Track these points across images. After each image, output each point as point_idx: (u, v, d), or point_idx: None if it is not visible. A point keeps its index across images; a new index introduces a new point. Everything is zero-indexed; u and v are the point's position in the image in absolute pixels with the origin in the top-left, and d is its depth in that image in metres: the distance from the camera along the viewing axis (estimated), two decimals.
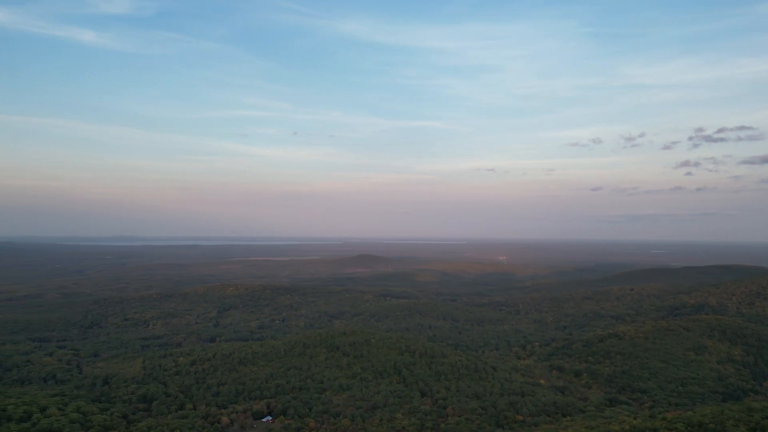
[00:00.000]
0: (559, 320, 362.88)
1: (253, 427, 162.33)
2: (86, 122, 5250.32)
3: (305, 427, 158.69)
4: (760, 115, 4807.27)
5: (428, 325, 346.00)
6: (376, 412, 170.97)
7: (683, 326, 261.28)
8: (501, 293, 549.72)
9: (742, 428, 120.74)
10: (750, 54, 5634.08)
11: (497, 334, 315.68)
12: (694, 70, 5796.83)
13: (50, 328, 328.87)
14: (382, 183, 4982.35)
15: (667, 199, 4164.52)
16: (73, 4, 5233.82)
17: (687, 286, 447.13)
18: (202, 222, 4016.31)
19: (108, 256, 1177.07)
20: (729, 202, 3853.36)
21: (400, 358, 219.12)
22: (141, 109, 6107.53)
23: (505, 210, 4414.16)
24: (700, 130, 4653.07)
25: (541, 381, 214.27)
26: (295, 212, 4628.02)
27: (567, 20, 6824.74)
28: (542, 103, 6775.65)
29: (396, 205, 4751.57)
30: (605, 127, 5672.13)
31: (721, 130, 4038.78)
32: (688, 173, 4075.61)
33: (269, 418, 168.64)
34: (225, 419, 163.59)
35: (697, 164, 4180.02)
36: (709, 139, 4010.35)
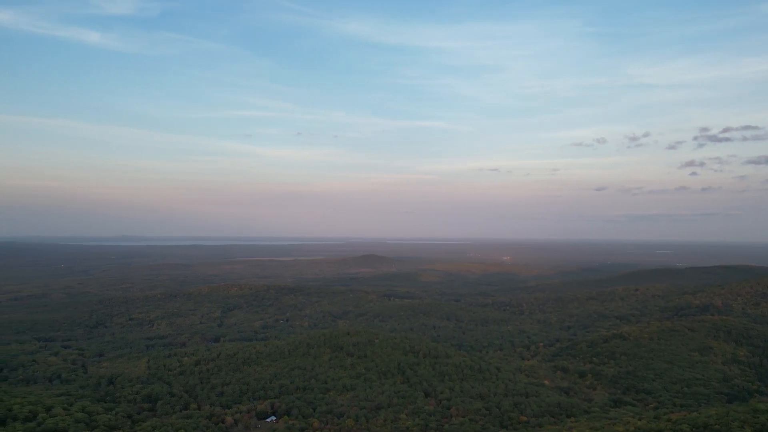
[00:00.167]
0: (564, 321, 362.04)
1: (257, 427, 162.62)
2: (90, 122, 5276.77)
3: (309, 428, 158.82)
4: (765, 114, 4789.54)
5: (432, 325, 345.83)
6: (380, 413, 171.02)
7: (688, 327, 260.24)
8: (505, 293, 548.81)
9: (747, 430, 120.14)
10: (754, 53, 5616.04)
11: (501, 334, 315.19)
12: (698, 69, 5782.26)
13: (55, 327, 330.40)
14: (385, 183, 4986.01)
15: (672, 199, 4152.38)
16: (77, 4, 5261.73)
17: (692, 286, 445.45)
18: (205, 222, 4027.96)
19: (113, 256, 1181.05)
20: (734, 202, 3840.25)
21: (404, 358, 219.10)
22: (145, 109, 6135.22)
23: (508, 210, 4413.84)
24: (705, 129, 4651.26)
25: (546, 382, 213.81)
26: (298, 212, 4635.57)
27: (570, 20, 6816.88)
28: (545, 103, 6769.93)
29: (399, 205, 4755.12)
30: (609, 127, 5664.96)
31: (726, 130, 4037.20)
32: (693, 173, 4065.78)
33: (273, 418, 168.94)
34: (229, 419, 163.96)
35: (702, 164, 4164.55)
36: (714, 138, 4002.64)
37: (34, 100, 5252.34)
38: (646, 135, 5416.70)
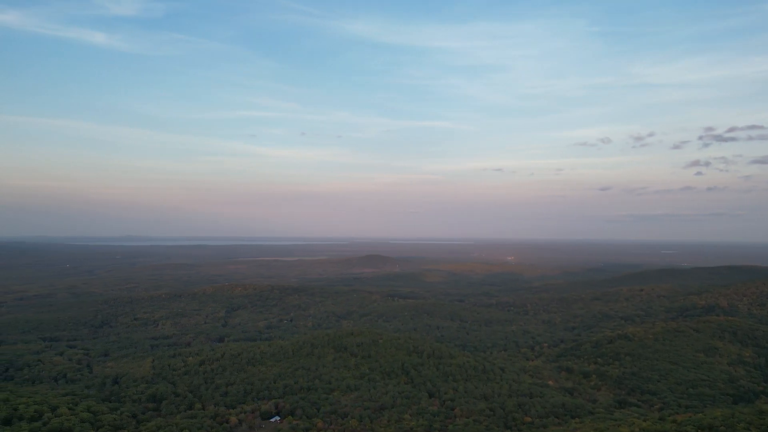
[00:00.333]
0: (568, 321, 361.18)
1: (262, 427, 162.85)
2: (95, 123, 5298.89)
3: (313, 428, 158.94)
4: None
5: (436, 325, 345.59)
6: (383, 413, 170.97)
7: (693, 327, 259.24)
8: (509, 294, 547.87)
9: (753, 431, 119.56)
10: (760, 52, 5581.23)
11: (505, 334, 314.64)
12: (703, 68, 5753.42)
13: (61, 327, 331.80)
14: (388, 183, 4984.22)
15: (677, 199, 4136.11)
16: (83, 5, 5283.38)
17: (697, 286, 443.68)
18: (210, 222, 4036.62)
19: (117, 256, 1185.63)
20: (740, 202, 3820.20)
21: (408, 358, 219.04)
22: (150, 109, 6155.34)
23: (512, 210, 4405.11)
24: (710, 129, 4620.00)
25: (550, 382, 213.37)
26: (302, 212, 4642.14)
27: (575, 19, 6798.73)
28: (550, 102, 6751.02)
29: (403, 205, 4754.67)
30: (614, 127, 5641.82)
31: (731, 130, 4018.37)
32: (699, 173, 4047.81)
33: (277, 418, 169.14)
34: (233, 419, 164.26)
35: (707, 164, 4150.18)
36: (720, 138, 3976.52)
37: (40, 100, 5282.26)
38: (651, 135, 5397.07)
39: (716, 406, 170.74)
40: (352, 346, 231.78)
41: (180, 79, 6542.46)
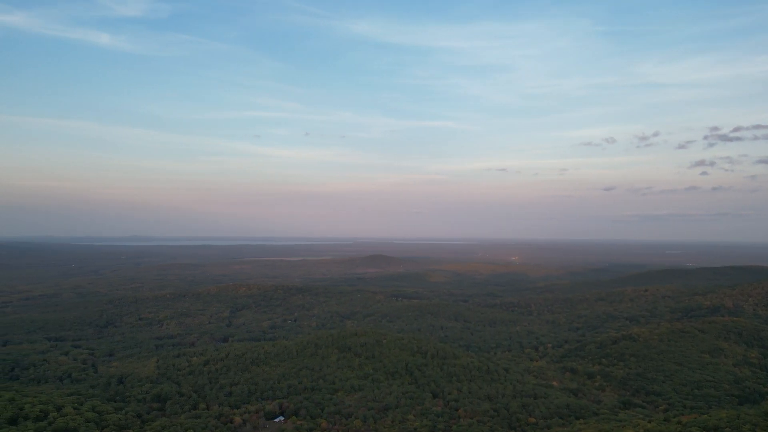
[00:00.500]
0: (572, 321, 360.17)
1: (266, 427, 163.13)
2: (100, 123, 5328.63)
3: (317, 428, 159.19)
4: None
5: (440, 326, 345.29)
6: (387, 413, 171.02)
7: (698, 328, 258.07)
8: (513, 294, 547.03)
9: None
10: (765, 52, 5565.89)
11: (509, 335, 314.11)
12: (708, 68, 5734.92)
13: (66, 327, 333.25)
14: (393, 183, 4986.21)
15: (682, 199, 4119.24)
16: (88, 7, 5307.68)
17: (702, 287, 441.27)
18: (214, 222, 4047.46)
19: (123, 256, 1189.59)
20: (745, 202, 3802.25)
21: (412, 359, 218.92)
22: (154, 109, 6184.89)
23: (516, 210, 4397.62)
24: (716, 129, 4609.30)
25: (554, 383, 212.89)
26: (306, 212, 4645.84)
27: (580, 19, 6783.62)
28: (554, 102, 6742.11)
29: (407, 205, 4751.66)
30: (618, 127, 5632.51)
31: (736, 129, 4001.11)
32: (704, 173, 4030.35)
33: (281, 418, 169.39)
34: (238, 419, 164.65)
35: (712, 164, 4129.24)
36: (725, 138, 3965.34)
37: (45, 101, 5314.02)
38: (655, 134, 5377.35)
39: (722, 407, 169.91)
40: (356, 347, 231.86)
41: (184, 79, 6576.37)
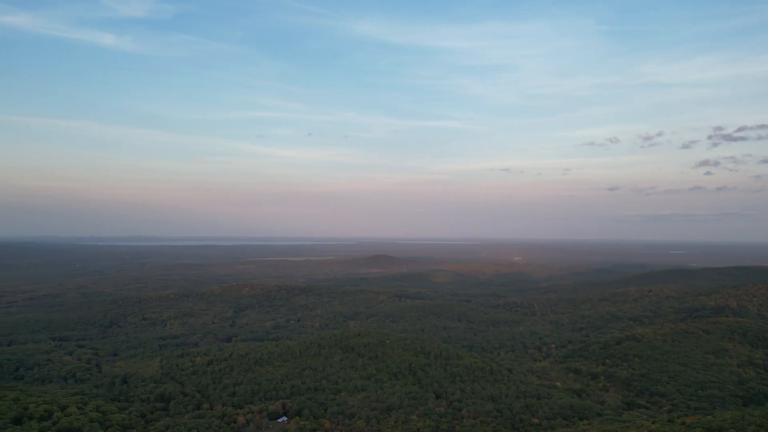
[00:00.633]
0: (576, 322, 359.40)
1: (269, 427, 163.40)
2: (105, 124, 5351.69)
3: (320, 428, 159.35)
4: None
5: (443, 326, 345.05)
6: (390, 414, 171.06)
7: (703, 329, 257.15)
8: (516, 294, 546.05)
9: None
10: None
11: (513, 335, 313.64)
12: (712, 67, 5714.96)
13: (70, 327, 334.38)
14: (396, 183, 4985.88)
15: (686, 198, 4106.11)
16: (92, 8, 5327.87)
17: (706, 287, 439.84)
18: (217, 222, 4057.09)
19: (126, 256, 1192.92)
20: (749, 202, 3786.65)
21: (415, 359, 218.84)
22: (158, 110, 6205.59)
23: (520, 210, 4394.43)
24: (720, 128, 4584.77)
25: (558, 384, 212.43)
26: (309, 212, 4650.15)
27: (583, 18, 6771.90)
28: (558, 102, 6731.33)
29: (410, 205, 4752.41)
30: (622, 127, 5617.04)
31: (741, 129, 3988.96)
32: (708, 173, 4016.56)
33: (285, 418, 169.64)
34: (241, 419, 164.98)
35: (716, 163, 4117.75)
36: (729, 138, 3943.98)
37: (50, 101, 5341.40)
38: (659, 134, 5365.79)
39: (726, 408, 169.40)
40: (359, 347, 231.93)
41: (188, 79, 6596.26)
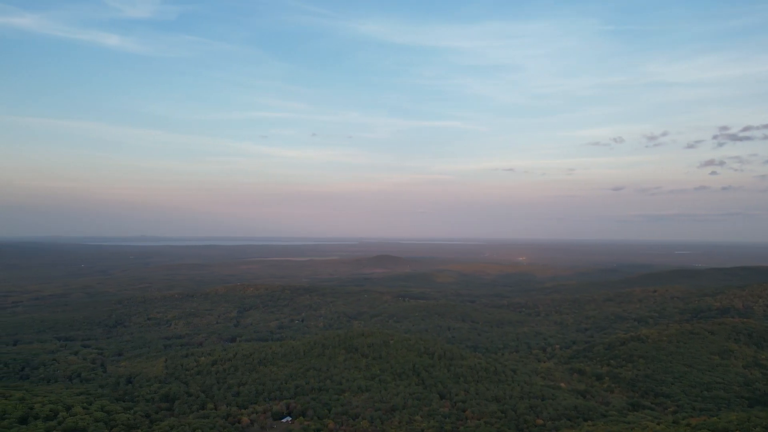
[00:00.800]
0: (580, 322, 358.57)
1: (273, 427, 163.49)
2: (109, 124, 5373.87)
3: (324, 428, 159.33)
4: None
5: (447, 326, 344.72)
6: (394, 414, 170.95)
7: (708, 329, 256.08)
8: (521, 294, 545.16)
9: None
10: None
11: (517, 336, 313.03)
12: (717, 67, 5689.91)
13: (75, 327, 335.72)
14: (399, 183, 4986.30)
15: (691, 199, 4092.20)
16: (98, 9, 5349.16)
17: (712, 288, 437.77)
18: (222, 222, 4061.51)
19: (131, 256, 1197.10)
20: (755, 202, 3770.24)
21: (419, 359, 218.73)
22: (162, 110, 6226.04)
23: (524, 210, 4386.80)
24: (725, 128, 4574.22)
25: (562, 384, 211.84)
26: (313, 213, 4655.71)
27: (587, 18, 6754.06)
28: (562, 102, 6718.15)
29: (414, 205, 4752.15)
30: (627, 126, 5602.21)
31: (746, 129, 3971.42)
32: (713, 173, 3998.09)
33: (289, 418, 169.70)
34: (245, 419, 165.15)
35: (722, 163, 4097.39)
36: (734, 137, 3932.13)
37: (55, 102, 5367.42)
38: (664, 134, 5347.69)
39: (731, 409, 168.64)
40: (363, 347, 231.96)
41: (192, 80, 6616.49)
